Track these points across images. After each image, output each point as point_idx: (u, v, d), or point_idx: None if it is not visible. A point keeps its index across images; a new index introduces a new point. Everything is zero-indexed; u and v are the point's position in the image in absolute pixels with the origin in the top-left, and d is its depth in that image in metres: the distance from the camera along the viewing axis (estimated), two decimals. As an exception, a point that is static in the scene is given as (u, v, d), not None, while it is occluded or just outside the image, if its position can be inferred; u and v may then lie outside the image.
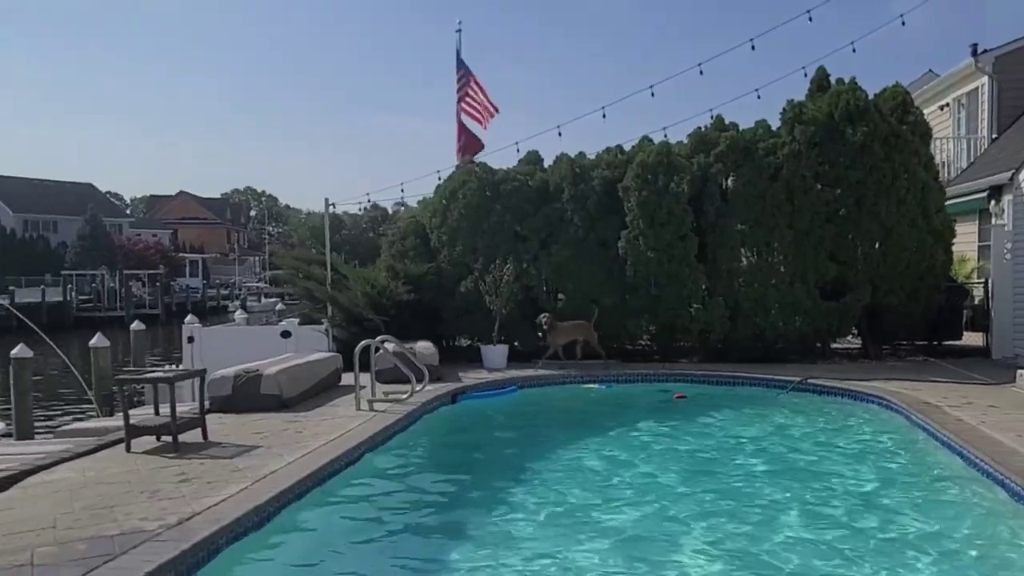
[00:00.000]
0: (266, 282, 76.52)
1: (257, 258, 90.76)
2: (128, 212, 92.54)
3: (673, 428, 9.32)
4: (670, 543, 5.55)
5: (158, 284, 55.53)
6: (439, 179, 14.09)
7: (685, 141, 13.79)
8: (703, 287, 13.18)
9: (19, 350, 13.62)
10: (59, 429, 10.74)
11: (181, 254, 70.60)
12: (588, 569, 5.12)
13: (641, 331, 13.76)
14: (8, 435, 14.12)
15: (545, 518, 6.14)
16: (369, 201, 15.28)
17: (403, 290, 13.32)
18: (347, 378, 11.39)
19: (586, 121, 21.77)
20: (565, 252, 13.37)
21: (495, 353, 12.86)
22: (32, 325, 15.58)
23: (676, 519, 6.05)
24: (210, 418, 8.34)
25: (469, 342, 14.44)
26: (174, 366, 16.37)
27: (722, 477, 7.25)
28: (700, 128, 13.75)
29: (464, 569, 5.16)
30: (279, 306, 28.31)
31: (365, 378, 9.80)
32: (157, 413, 8.09)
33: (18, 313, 18.63)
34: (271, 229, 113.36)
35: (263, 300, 61.52)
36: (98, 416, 14.95)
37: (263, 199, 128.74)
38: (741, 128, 13.66)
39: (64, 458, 7.27)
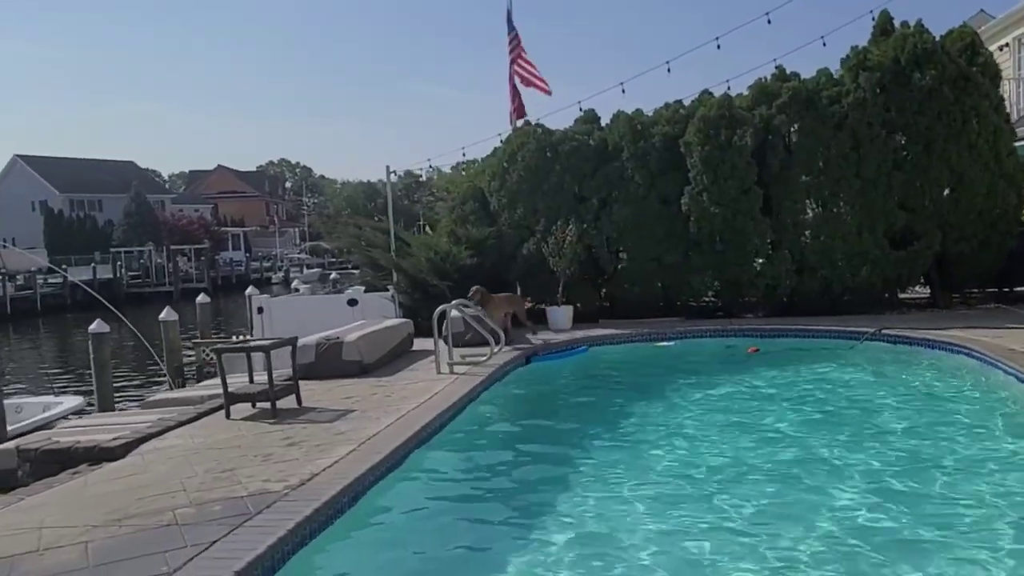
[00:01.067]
0: (307, 253, 77.40)
1: (296, 229, 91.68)
2: (167, 188, 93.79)
3: (756, 380, 9.36)
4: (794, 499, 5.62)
5: (203, 259, 56.52)
6: (500, 141, 14.08)
7: (746, 93, 13.56)
8: (768, 241, 13.06)
9: (96, 325, 13.99)
10: (145, 400, 11.05)
11: (223, 228, 71.56)
12: (688, 519, 5.21)
13: (705, 288, 13.71)
14: (83, 410, 14.61)
15: (639, 472, 6.25)
16: (431, 167, 15.34)
17: (465, 255, 13.41)
18: (418, 343, 11.58)
19: (647, 81, 21.60)
20: (626, 211, 13.31)
21: (560, 314, 12.92)
22: (104, 302, 15.95)
23: (799, 468, 6.11)
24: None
25: (530, 304, 14.53)
26: (241, 337, 16.70)
27: (804, 426, 7.27)
28: (761, 79, 13.51)
29: (572, 522, 5.28)
30: (333, 275, 28.57)
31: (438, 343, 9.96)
32: (251, 381, 8.29)
33: (92, 292, 19.10)
34: (308, 200, 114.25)
35: (305, 271, 62.32)
36: (170, 387, 15.38)
37: (298, 170, 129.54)
38: (803, 78, 13.38)
39: (170, 426, 7.51)
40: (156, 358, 15.98)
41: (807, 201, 13.07)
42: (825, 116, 12.78)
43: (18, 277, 45.44)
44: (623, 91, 13.69)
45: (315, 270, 60.96)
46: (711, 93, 13.64)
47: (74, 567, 4.22)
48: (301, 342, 9.73)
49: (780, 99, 13.03)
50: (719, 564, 4.53)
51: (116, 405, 14.38)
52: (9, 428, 12.04)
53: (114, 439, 6.97)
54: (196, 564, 4.19)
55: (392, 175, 15.30)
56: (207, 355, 16.13)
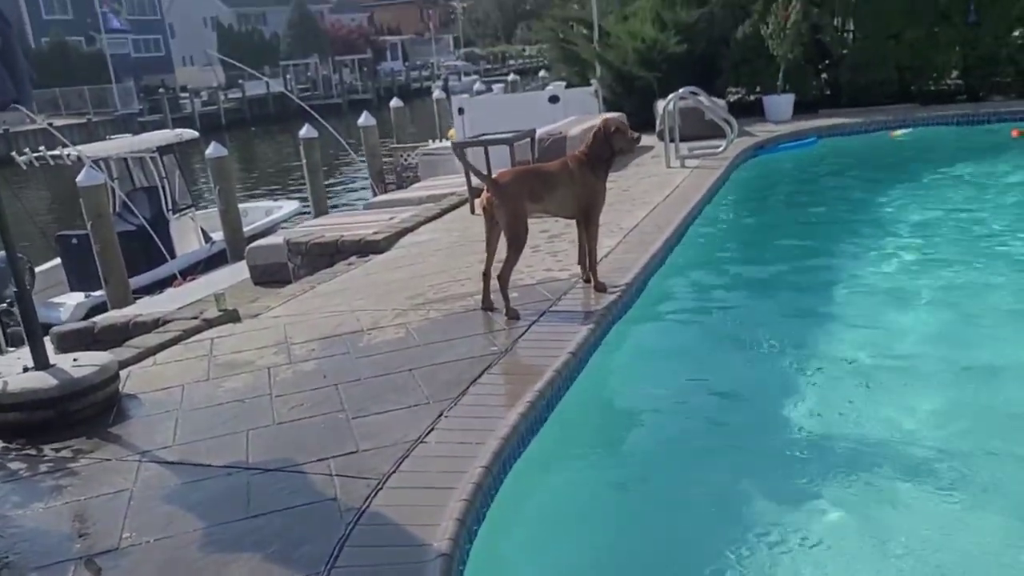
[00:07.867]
0: (462, 60, 76.37)
1: (451, 36, 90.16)
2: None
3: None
4: None
5: (366, 70, 57.04)
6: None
7: None
8: (1037, 8, 11.24)
9: (306, 131, 14.34)
10: (368, 202, 11.35)
11: (381, 37, 71.43)
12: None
13: (950, 67, 12.15)
14: (302, 213, 15.38)
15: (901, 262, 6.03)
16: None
17: (673, 42, 12.43)
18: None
19: None
20: (862, -20, 11.75)
21: (780, 103, 11.92)
22: (309, 110, 16.28)
23: None
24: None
25: (739, 95, 13.52)
26: (435, 142, 16.77)
27: None
28: None
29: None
30: (512, 78, 27.80)
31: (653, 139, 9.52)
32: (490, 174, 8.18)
33: (298, 100, 19.67)
34: (458, 3, 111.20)
35: (463, 79, 61.74)
36: (374, 193, 15.81)
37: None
38: None
39: (420, 221, 7.65)
40: (359, 162, 16.40)
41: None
42: None
43: (202, 93, 47.75)
44: None
45: (472, 78, 60.30)
46: None
47: (405, 345, 4.35)
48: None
49: None
50: None
51: (329, 209, 15.01)
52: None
53: (375, 233, 7.16)
54: (521, 345, 4.20)
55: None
56: (407, 159, 16.40)
